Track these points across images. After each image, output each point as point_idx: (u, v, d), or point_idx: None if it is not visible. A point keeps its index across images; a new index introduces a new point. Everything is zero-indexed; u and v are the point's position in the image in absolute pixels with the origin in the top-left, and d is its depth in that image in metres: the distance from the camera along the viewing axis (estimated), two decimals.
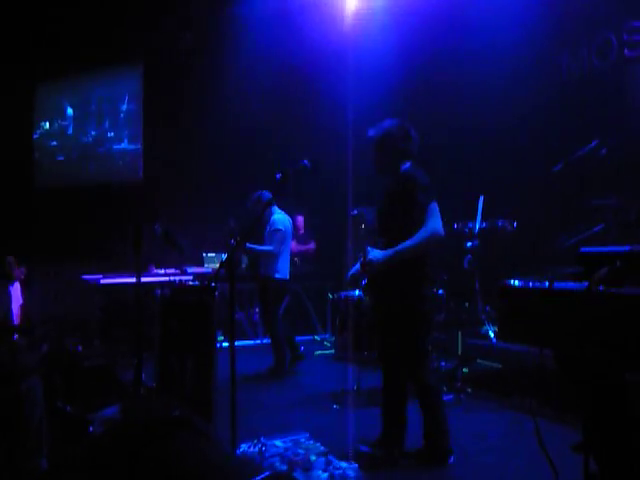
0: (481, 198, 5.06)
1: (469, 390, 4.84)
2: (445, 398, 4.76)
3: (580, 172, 4.89)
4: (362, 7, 7.84)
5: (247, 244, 5.64)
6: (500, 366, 5.16)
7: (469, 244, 4.97)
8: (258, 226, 5.69)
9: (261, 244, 5.85)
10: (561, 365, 1.99)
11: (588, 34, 6.19)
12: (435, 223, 3.27)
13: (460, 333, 5.12)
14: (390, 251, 3.29)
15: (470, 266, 4.94)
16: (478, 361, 5.44)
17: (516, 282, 1.91)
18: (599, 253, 1.90)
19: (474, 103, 6.56)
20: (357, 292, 5.52)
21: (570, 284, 1.79)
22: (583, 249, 1.96)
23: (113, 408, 3.71)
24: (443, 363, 5.15)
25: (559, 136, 5.71)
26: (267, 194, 5.72)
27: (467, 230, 4.98)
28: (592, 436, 1.75)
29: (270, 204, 5.70)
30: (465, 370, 5.14)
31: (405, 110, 6.90)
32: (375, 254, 3.31)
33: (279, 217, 5.82)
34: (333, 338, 7.27)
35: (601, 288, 1.60)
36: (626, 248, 1.81)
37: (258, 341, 7.86)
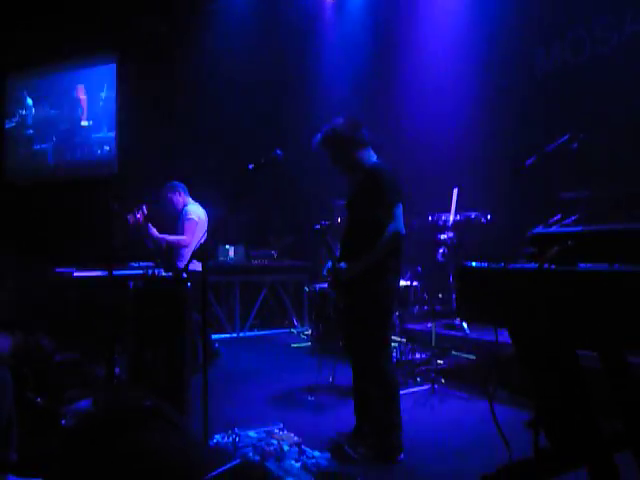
0: (455, 190, 5.10)
1: (443, 381, 4.90)
2: (418, 389, 4.85)
3: (552, 165, 4.96)
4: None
5: (167, 235, 5.56)
6: (474, 357, 5.23)
7: (443, 236, 5.02)
8: (169, 216, 5.64)
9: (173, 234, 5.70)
10: (517, 343, 2.03)
11: (561, 30, 6.28)
12: (398, 224, 3.30)
13: (434, 325, 5.17)
14: (359, 264, 3.34)
15: (444, 258, 4.98)
16: (453, 352, 5.50)
17: (473, 264, 1.94)
18: (551, 234, 1.94)
19: (448, 96, 6.61)
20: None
21: (523, 264, 1.83)
22: (536, 230, 2.01)
23: (85, 401, 3.68)
24: (418, 355, 5.20)
25: (532, 130, 5.78)
26: (180, 184, 5.73)
27: (441, 222, 5.02)
28: (543, 412, 1.79)
29: (182, 194, 5.71)
30: (440, 361, 5.20)
31: (377, 103, 6.98)
32: (343, 265, 3.37)
33: (192, 207, 5.71)
34: (309, 331, 7.28)
35: (552, 267, 1.64)
36: (578, 228, 1.85)
37: (235, 334, 7.85)
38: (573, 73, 6.14)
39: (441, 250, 5.04)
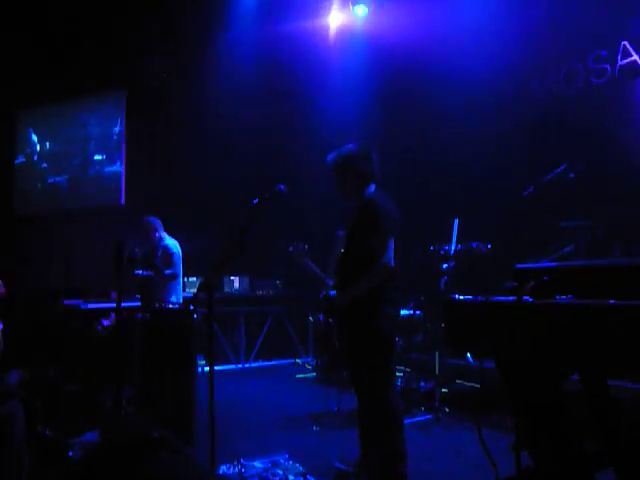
0: (456, 221, 5.19)
1: (447, 410, 4.91)
2: (423, 418, 4.87)
3: (550, 195, 5.07)
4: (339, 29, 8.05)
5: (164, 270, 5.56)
6: (478, 386, 5.24)
7: (445, 266, 5.09)
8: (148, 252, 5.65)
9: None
10: (501, 372, 2.10)
11: (557, 62, 6.46)
12: (387, 257, 3.38)
13: (438, 354, 5.21)
14: (347, 293, 3.43)
15: (446, 287, 5.04)
16: (457, 381, 5.52)
17: (460, 297, 2.03)
18: (532, 269, 2.03)
19: (450, 129, 6.76)
20: None
21: (503, 297, 1.91)
22: (518, 265, 2.10)
23: (92, 433, 3.73)
24: (422, 384, 5.23)
25: (530, 160, 5.91)
26: (156, 219, 5.80)
27: (443, 252, 5.10)
28: (526, 434, 1.86)
29: (158, 229, 5.76)
30: (444, 390, 5.21)
31: (380, 134, 7.13)
32: (334, 294, 3.45)
33: (171, 242, 5.76)
34: (315, 361, 7.31)
35: (530, 300, 1.73)
36: (553, 264, 1.94)
37: (240, 365, 7.88)
38: (568, 103, 6.29)
39: (444, 279, 5.10)
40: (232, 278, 8.14)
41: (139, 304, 4.87)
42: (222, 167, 8.36)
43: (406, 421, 3.84)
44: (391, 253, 3.41)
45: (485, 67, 6.48)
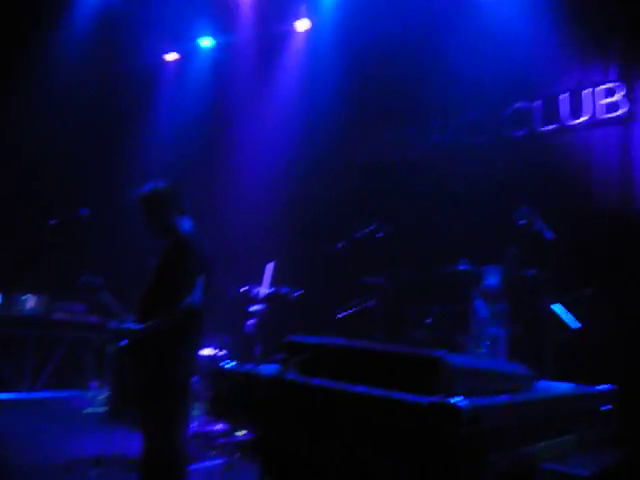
0: (270, 264, 5.25)
1: (240, 455, 4.83)
2: (212, 463, 4.72)
3: (359, 251, 5.38)
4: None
5: None
6: None
7: (253, 308, 5.09)
8: None
9: None
10: (256, 446, 2.10)
11: (379, 130, 6.99)
12: (194, 297, 3.29)
13: None
14: (145, 329, 3.26)
15: (253, 330, 5.03)
16: None
17: (228, 365, 2.02)
18: (301, 343, 2.08)
19: (266, 179, 6.93)
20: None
21: (267, 370, 1.94)
22: (289, 338, 2.14)
23: None
24: (217, 427, 5.10)
25: (346, 216, 6.26)
26: None
27: (252, 294, 5.11)
28: None
29: None
30: (239, 434, 5.13)
31: (200, 173, 7.02)
32: (129, 325, 3.28)
33: None
34: (107, 396, 6.81)
35: (293, 377, 1.76)
36: (322, 340, 2.01)
37: (23, 395, 7.09)
38: (386, 169, 6.83)
39: (251, 322, 5.09)
40: (25, 297, 7.35)
41: None
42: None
43: (194, 466, 3.68)
44: (198, 293, 3.31)
45: (313, 119, 6.81)
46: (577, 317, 4.54)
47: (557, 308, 4.66)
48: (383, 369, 1.79)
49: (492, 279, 4.90)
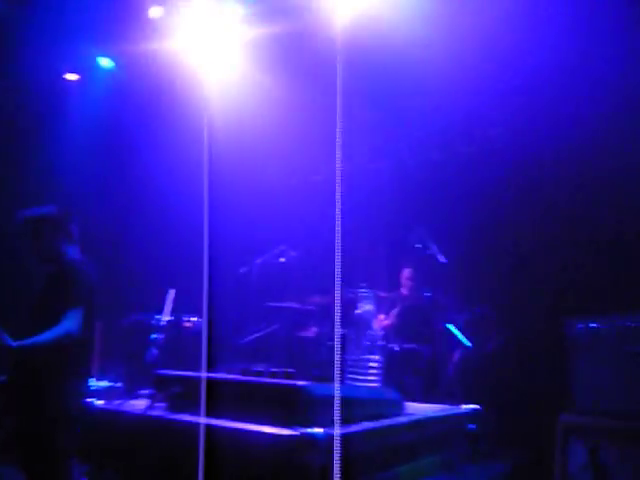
0: (170, 292, 5.15)
1: None
2: None
3: (266, 276, 5.39)
4: None
5: None
6: None
7: (153, 336, 4.97)
8: None
9: None
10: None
11: None
12: (72, 325, 3.13)
13: None
14: (18, 344, 3.04)
15: (152, 358, 4.90)
16: None
17: (98, 402, 1.97)
18: (171, 376, 2.07)
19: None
20: None
21: (131, 406, 1.91)
22: (159, 371, 2.13)
23: None
24: None
25: (251, 242, 6.23)
26: None
27: (153, 323, 4.99)
28: None
29: None
30: None
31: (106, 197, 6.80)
32: (9, 341, 3.09)
33: None
34: None
35: (159, 414, 1.75)
36: (186, 374, 2.00)
37: None
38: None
39: (151, 351, 4.96)
40: None
41: None
42: None
43: None
44: (78, 323, 3.17)
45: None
46: (468, 337, 4.75)
47: (452, 327, 4.85)
48: (255, 401, 1.80)
49: (368, 304, 5.00)
